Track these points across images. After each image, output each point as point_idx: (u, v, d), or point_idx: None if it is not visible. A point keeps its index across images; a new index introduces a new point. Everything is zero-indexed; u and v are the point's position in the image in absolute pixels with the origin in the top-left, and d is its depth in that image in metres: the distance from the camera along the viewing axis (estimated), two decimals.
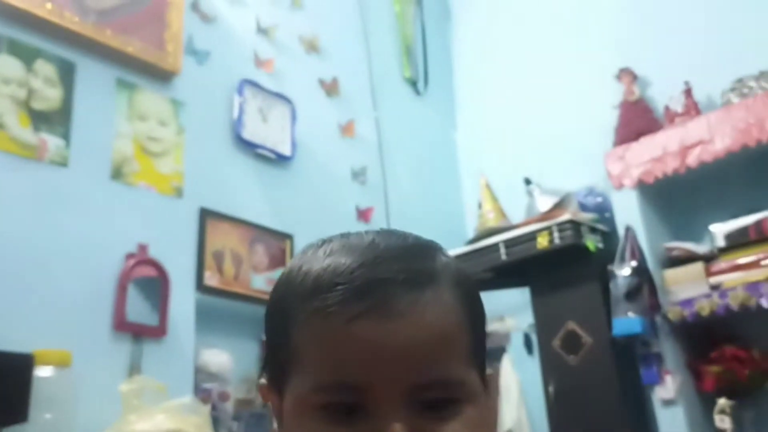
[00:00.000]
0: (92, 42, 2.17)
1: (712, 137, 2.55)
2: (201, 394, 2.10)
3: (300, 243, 2.60)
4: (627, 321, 2.50)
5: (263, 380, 0.61)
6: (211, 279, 2.31)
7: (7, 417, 1.57)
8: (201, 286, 2.26)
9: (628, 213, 2.71)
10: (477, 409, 0.56)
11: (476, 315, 0.59)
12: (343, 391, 0.52)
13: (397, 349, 0.53)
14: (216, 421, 2.04)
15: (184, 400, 1.87)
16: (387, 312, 0.53)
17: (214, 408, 2.09)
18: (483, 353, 0.60)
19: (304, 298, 0.56)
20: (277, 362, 0.58)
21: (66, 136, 2.06)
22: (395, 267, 0.55)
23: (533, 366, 2.87)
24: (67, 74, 2.11)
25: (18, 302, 1.82)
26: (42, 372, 1.67)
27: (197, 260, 2.28)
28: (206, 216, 2.34)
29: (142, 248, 2.12)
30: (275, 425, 0.60)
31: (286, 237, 2.58)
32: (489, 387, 0.61)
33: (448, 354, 0.55)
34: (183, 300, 2.18)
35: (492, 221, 2.96)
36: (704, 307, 2.43)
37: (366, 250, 0.56)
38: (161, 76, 2.34)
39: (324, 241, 0.59)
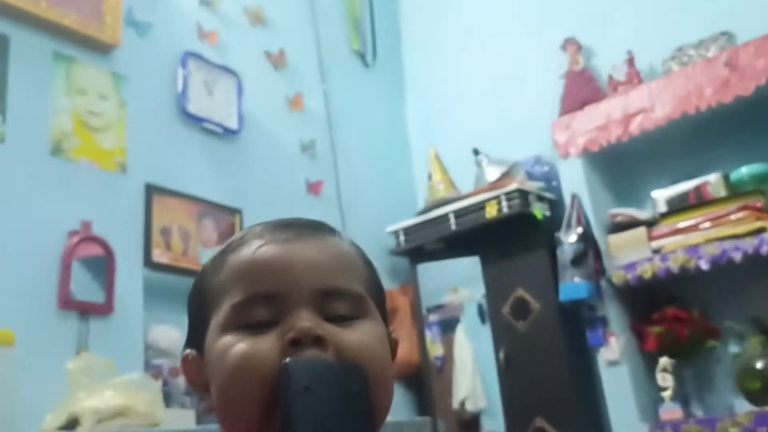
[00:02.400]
0: (26, 14, 2.10)
1: (653, 105, 2.60)
2: (152, 370, 2.08)
3: (249, 217, 2.58)
4: (573, 286, 2.57)
5: (185, 351, 0.65)
6: (159, 255, 2.28)
7: None
8: (149, 263, 2.24)
9: (574, 181, 2.76)
10: (378, 327, 0.62)
11: (374, 276, 0.67)
12: (258, 303, 0.58)
13: (304, 261, 0.60)
14: (168, 396, 2.03)
15: (133, 376, 1.85)
16: (293, 238, 0.61)
17: (165, 384, 2.07)
18: (383, 308, 0.66)
19: (219, 254, 0.64)
20: (199, 325, 0.62)
21: (2, 112, 1.99)
22: (300, 221, 0.66)
23: (487, 335, 2.92)
24: (1, 48, 2.04)
25: None
26: None
27: (144, 236, 2.25)
28: (152, 191, 2.30)
29: (86, 225, 2.08)
30: (203, 403, 0.62)
31: (235, 211, 2.56)
32: (392, 346, 0.65)
33: (349, 273, 0.62)
34: (130, 277, 2.15)
35: (442, 192, 2.99)
36: (646, 271, 2.50)
37: (278, 220, 0.65)
38: (100, 48, 2.28)
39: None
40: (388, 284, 2.86)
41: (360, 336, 0.59)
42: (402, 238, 2.97)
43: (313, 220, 0.66)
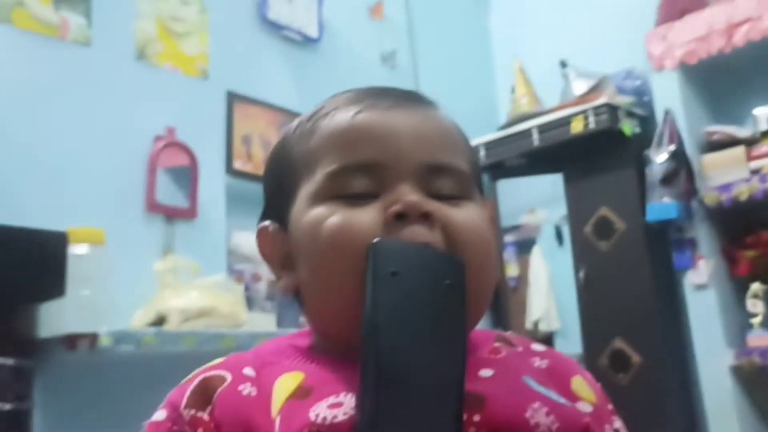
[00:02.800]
0: None
1: (761, 14, 2.40)
2: (234, 275, 2.13)
3: None
4: (662, 206, 2.46)
5: (262, 223, 0.60)
6: (240, 163, 2.29)
7: (44, 292, 1.61)
8: (230, 170, 2.26)
9: (668, 96, 2.61)
10: (483, 211, 0.56)
11: (475, 156, 0.62)
12: (357, 173, 0.52)
13: (409, 131, 0.53)
14: (249, 300, 2.08)
15: (217, 278, 1.90)
16: (395, 106, 0.55)
17: (247, 288, 2.12)
18: (481, 188, 0.61)
19: (306, 120, 0.58)
20: (282, 195, 0.57)
21: (87, 15, 2.00)
22: (396, 89, 0.59)
23: (563, 257, 2.85)
24: None
25: (50, 181, 1.83)
26: (77, 250, 1.70)
27: (226, 144, 2.26)
28: (233, 99, 2.30)
29: (170, 131, 2.10)
30: (281, 281, 0.58)
31: None
32: (488, 213, 0.61)
33: (456, 150, 0.56)
34: (212, 183, 2.18)
35: (525, 106, 2.88)
36: (743, 192, 2.37)
37: (370, 87, 0.59)
38: None
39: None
40: None
41: (470, 215, 0.53)
42: (483, 152, 2.90)
43: (410, 90, 0.60)
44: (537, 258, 3.13)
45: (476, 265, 0.51)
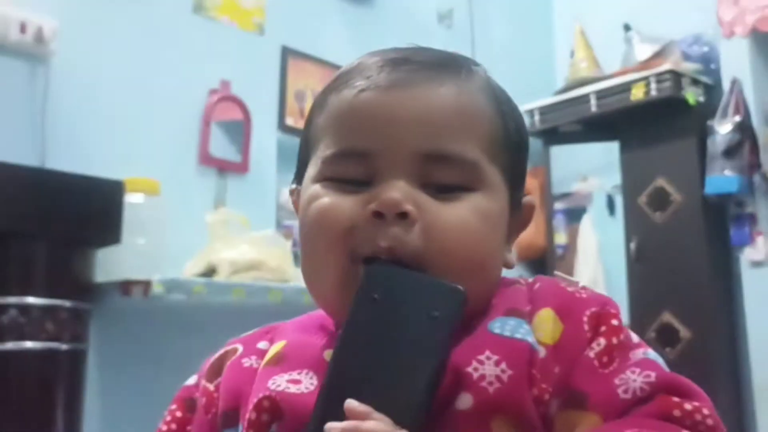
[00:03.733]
0: None
1: None
2: (283, 230, 2.16)
3: None
4: (722, 179, 2.38)
5: (292, 185, 0.60)
6: (292, 119, 2.30)
7: (101, 238, 1.66)
8: (283, 126, 2.27)
9: (737, 65, 2.51)
10: (492, 203, 0.52)
11: (506, 130, 0.54)
12: (350, 159, 0.51)
13: (409, 115, 0.50)
14: (296, 256, 2.11)
15: (267, 233, 1.93)
16: (403, 83, 0.51)
17: (294, 244, 2.15)
18: (519, 169, 0.56)
19: (325, 90, 0.56)
20: (301, 163, 0.57)
21: None
22: (421, 55, 0.54)
23: (614, 227, 2.80)
24: None
25: (109, 132, 1.87)
26: (133, 199, 1.74)
27: (279, 99, 2.27)
28: (288, 54, 2.30)
29: (225, 84, 2.12)
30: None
31: None
32: (523, 213, 0.57)
33: (464, 133, 0.51)
34: (265, 138, 2.20)
35: (584, 70, 2.80)
36: None
37: (398, 50, 0.55)
38: None
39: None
40: None
41: (461, 214, 0.49)
42: (537, 117, 2.84)
43: (438, 55, 0.55)
44: (587, 227, 3.08)
45: (457, 269, 0.48)
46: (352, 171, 0.51)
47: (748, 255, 2.42)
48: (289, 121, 2.29)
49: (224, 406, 0.52)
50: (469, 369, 0.46)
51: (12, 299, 1.52)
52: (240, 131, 2.13)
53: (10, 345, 1.51)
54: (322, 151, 0.52)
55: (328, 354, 0.50)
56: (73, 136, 1.81)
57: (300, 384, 0.49)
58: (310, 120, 0.56)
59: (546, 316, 0.50)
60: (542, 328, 0.49)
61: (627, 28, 2.77)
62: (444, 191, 0.50)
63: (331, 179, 0.51)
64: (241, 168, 2.12)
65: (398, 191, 0.48)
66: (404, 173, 0.49)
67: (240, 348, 0.56)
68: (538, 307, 0.51)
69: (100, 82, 1.89)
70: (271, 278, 1.85)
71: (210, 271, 1.82)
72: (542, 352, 0.48)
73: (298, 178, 0.58)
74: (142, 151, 1.92)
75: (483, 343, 0.47)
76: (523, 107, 2.87)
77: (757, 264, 2.40)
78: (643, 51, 2.67)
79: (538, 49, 3.20)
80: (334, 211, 0.50)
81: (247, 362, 0.54)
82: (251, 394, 0.50)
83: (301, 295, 1.83)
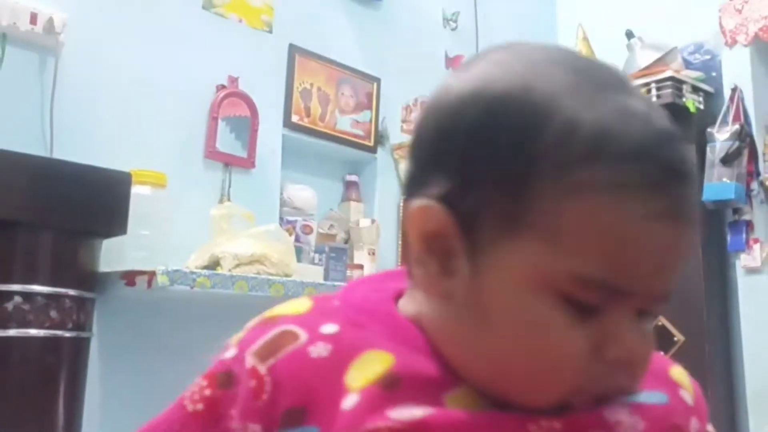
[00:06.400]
0: None
1: None
2: (285, 225, 2.18)
3: (387, 87, 2.57)
4: (720, 186, 2.41)
5: (431, 201, 0.45)
6: (298, 117, 2.32)
7: (107, 228, 1.68)
8: (288, 123, 2.29)
9: (738, 73, 2.53)
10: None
11: None
12: (602, 290, 0.41)
13: (676, 259, 0.43)
14: (299, 251, 2.13)
15: (269, 227, 1.95)
16: (682, 214, 0.42)
17: (297, 240, 2.17)
18: None
19: (580, 151, 0.40)
20: (484, 201, 0.43)
21: None
22: (682, 151, 0.43)
23: None
24: None
25: (116, 123, 1.90)
26: (139, 190, 1.76)
27: (285, 96, 2.29)
28: (295, 52, 2.32)
29: (233, 81, 2.14)
30: (420, 264, 0.47)
31: (374, 80, 2.55)
32: None
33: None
34: (270, 135, 2.22)
35: None
36: None
37: (643, 111, 0.42)
38: None
39: (543, 59, 0.45)
40: None
41: (651, 342, 0.45)
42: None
43: (670, 123, 0.44)
44: None
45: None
46: (594, 298, 0.42)
47: (744, 261, 2.45)
48: (295, 118, 2.31)
49: (288, 402, 0.45)
50: (606, 414, 0.44)
51: (17, 287, 1.54)
52: (246, 127, 2.15)
53: (13, 332, 1.52)
54: (566, 255, 0.41)
55: (450, 400, 0.43)
56: (81, 127, 1.83)
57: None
58: (539, 156, 0.41)
59: (680, 372, 0.52)
60: (683, 383, 0.51)
61: (630, 34, 2.80)
62: (640, 316, 0.44)
63: (565, 297, 0.41)
64: (246, 163, 2.14)
65: (636, 336, 0.43)
66: (637, 308, 0.43)
67: (302, 334, 0.47)
68: (663, 367, 0.52)
69: (109, 74, 1.90)
70: (274, 272, 1.87)
71: (213, 264, 1.84)
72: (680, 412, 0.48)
73: (445, 195, 0.44)
74: (150, 144, 1.94)
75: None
76: None
77: (752, 271, 2.43)
78: (645, 57, 2.69)
79: None
80: (570, 353, 0.42)
81: (314, 351, 0.46)
82: (355, 406, 0.43)
83: (302, 289, 1.85)
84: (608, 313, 0.42)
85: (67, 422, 1.57)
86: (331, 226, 2.32)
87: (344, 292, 0.52)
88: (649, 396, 0.47)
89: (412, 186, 0.47)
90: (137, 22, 1.98)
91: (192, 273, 1.72)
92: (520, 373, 0.43)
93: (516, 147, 0.42)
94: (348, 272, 2.21)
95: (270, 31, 2.27)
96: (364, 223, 2.38)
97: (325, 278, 2.12)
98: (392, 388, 0.43)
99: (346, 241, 2.34)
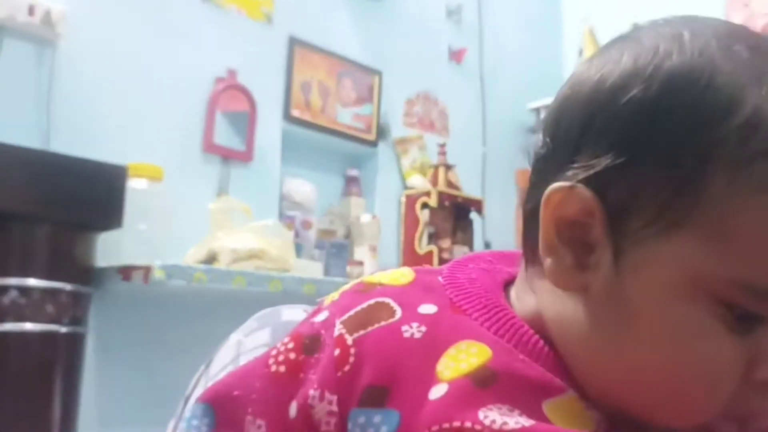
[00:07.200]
0: None
1: None
2: (285, 220, 2.16)
3: (389, 80, 2.54)
4: None
5: (579, 185, 0.39)
6: (298, 110, 2.30)
7: (103, 222, 1.67)
8: (288, 116, 2.27)
9: None
10: None
11: None
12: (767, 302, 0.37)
13: None
14: (298, 247, 2.11)
15: (268, 222, 1.93)
16: None
17: (297, 235, 2.15)
18: None
19: (763, 148, 0.36)
20: (642, 189, 0.38)
21: None
22: None
23: None
24: None
25: (113, 116, 1.88)
26: (136, 184, 1.74)
27: (285, 89, 2.27)
28: (295, 45, 2.30)
29: (232, 73, 2.12)
30: (552, 254, 0.41)
31: (376, 73, 2.52)
32: None
33: None
34: (270, 128, 2.20)
35: None
36: None
37: None
38: None
39: (721, 35, 0.40)
40: (522, 163, 2.77)
41: None
42: (543, 115, 2.83)
43: None
44: None
45: None
46: (757, 308, 0.38)
47: None
48: (295, 112, 2.29)
49: (370, 379, 0.41)
50: None
51: (13, 280, 1.52)
52: (245, 120, 2.13)
53: (9, 326, 1.51)
54: (736, 263, 0.37)
55: (549, 407, 0.39)
56: (78, 119, 1.81)
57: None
58: (723, 163, 0.36)
59: None
60: None
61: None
62: None
63: (725, 305, 0.37)
64: (245, 157, 2.12)
65: None
66: None
67: (397, 310, 0.43)
68: None
69: (106, 66, 1.88)
70: (272, 267, 1.85)
71: (211, 259, 1.83)
72: None
73: (591, 178, 0.39)
74: (147, 137, 1.92)
75: None
76: (529, 104, 2.89)
77: None
78: None
79: (546, 47, 3.20)
80: (729, 369, 0.38)
81: (407, 331, 0.42)
82: (443, 396, 0.39)
83: (301, 285, 1.84)
84: (763, 329, 0.38)
85: (63, 417, 1.56)
86: (332, 221, 2.30)
87: (450, 268, 0.47)
88: None
89: (547, 168, 0.42)
90: (135, 14, 1.96)
91: (189, 268, 1.71)
92: (664, 387, 0.38)
93: (695, 131, 0.37)
94: (348, 268, 2.19)
95: (270, 23, 2.25)
96: (365, 218, 2.35)
97: (325, 274, 2.10)
98: (486, 385, 0.39)
99: (347, 237, 2.32)
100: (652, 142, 0.37)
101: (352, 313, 0.44)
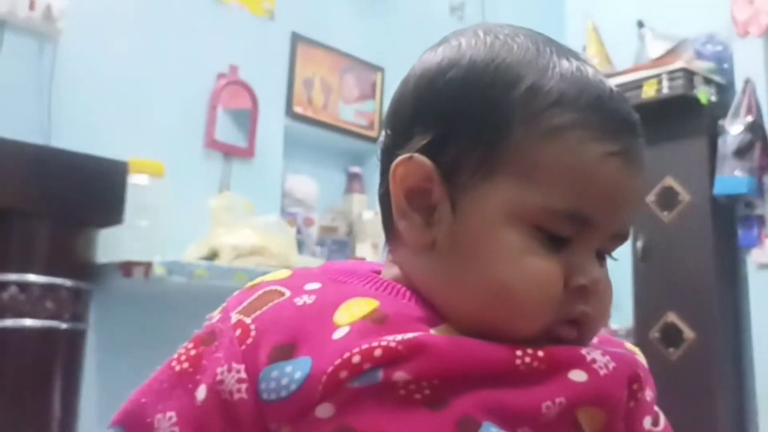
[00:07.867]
0: None
1: None
2: (287, 217, 2.15)
3: (391, 77, 2.52)
4: (732, 179, 2.36)
5: (416, 154, 0.49)
6: (300, 106, 2.29)
7: (103, 218, 1.66)
8: (290, 112, 2.25)
9: (751, 64, 2.48)
10: None
11: None
12: (570, 221, 0.47)
13: (635, 196, 0.51)
14: (300, 243, 2.10)
15: (270, 219, 1.92)
16: (635, 158, 0.49)
17: (298, 232, 2.14)
18: None
19: (547, 102, 0.47)
20: (463, 150, 0.48)
21: None
22: (630, 107, 0.50)
23: None
24: None
25: (114, 111, 1.87)
26: (137, 180, 1.73)
27: (287, 86, 2.26)
28: (297, 41, 2.28)
29: (233, 69, 2.10)
30: (403, 218, 0.50)
31: (378, 69, 2.51)
32: None
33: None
34: (272, 124, 2.19)
35: (596, 67, 2.78)
36: None
37: (593, 73, 0.50)
38: None
39: (509, 34, 0.51)
40: None
41: (609, 282, 0.51)
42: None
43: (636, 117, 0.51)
44: None
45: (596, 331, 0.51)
46: (561, 229, 0.47)
47: (755, 257, 2.40)
48: (297, 109, 2.28)
49: (276, 341, 0.46)
50: (582, 351, 0.47)
51: (13, 276, 1.52)
52: (247, 116, 2.12)
53: (9, 322, 1.50)
54: (538, 190, 0.47)
55: (437, 332, 0.47)
56: (78, 115, 1.80)
57: None
58: (508, 110, 0.48)
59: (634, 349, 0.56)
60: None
61: (640, 24, 2.75)
62: (600, 257, 0.51)
63: (536, 228, 0.47)
64: (246, 153, 2.11)
65: (597, 269, 0.49)
66: (597, 245, 0.49)
67: (287, 291, 0.50)
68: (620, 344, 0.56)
69: (107, 61, 1.87)
70: (274, 264, 1.83)
71: (212, 255, 1.81)
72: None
73: (435, 158, 0.49)
74: (148, 133, 1.91)
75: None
76: None
77: (764, 266, 2.38)
78: (655, 48, 2.64)
79: None
80: (547, 278, 0.47)
81: (300, 301, 0.48)
82: (314, 333, 0.46)
83: None
84: (574, 247, 0.48)
85: (63, 413, 1.55)
86: (334, 218, 2.28)
87: (322, 265, 0.55)
88: (615, 349, 0.51)
89: (390, 151, 0.51)
90: (136, 9, 1.95)
91: (190, 264, 1.70)
92: (503, 302, 0.47)
93: (492, 100, 0.48)
94: None
95: (272, 19, 2.23)
96: (367, 215, 2.34)
97: None
98: (382, 323, 0.46)
99: (349, 234, 2.31)
100: (464, 112, 0.49)
101: (245, 303, 0.50)
